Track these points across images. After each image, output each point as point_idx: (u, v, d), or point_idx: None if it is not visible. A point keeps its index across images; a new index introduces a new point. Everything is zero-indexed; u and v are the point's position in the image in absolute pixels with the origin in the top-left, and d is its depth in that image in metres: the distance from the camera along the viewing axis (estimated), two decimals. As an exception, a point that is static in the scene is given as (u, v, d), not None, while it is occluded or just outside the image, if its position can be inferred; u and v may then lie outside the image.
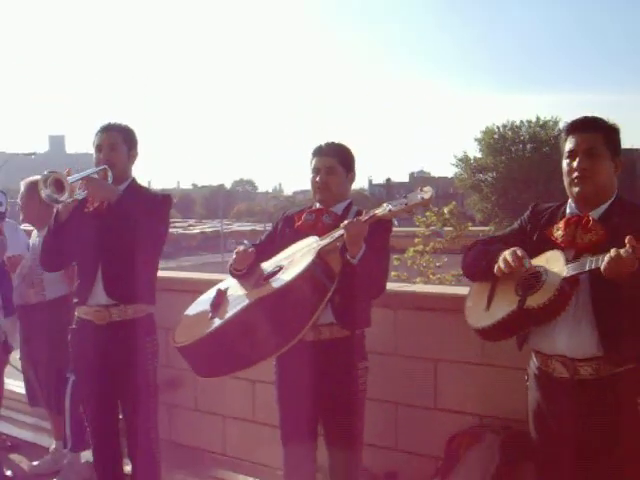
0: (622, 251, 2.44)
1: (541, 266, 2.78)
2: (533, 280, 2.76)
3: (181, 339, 3.42)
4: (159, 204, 4.00)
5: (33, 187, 5.06)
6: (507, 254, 2.78)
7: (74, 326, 4.06)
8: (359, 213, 3.30)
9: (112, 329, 3.88)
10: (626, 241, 2.44)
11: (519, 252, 2.76)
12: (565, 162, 2.92)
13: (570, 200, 2.94)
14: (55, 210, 3.89)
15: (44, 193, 3.69)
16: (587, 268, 2.61)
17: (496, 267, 2.83)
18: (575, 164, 2.85)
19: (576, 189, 2.85)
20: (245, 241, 3.87)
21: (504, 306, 2.85)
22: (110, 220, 3.79)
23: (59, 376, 4.92)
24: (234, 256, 3.46)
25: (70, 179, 3.66)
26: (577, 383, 2.78)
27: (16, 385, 6.23)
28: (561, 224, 2.88)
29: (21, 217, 5.46)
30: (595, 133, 2.86)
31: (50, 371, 5.07)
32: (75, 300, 4.03)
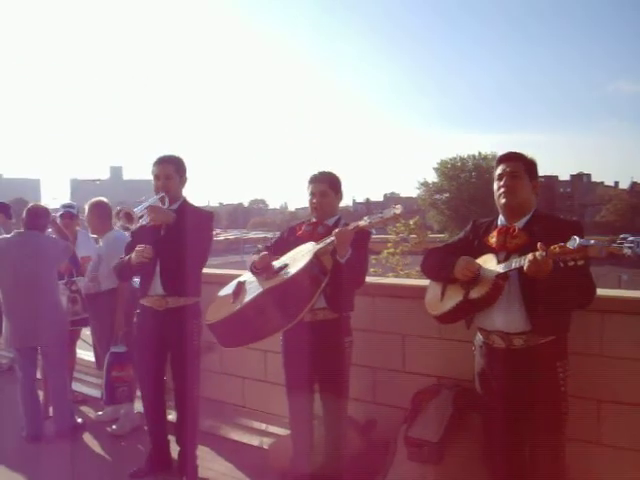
0: (537, 254, 2.47)
1: (479, 266, 2.80)
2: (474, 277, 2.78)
3: (210, 318, 3.42)
4: (204, 221, 3.93)
5: (94, 207, 5.09)
6: (464, 266, 2.80)
7: (138, 311, 4.04)
8: (346, 225, 3.30)
9: (168, 314, 3.85)
10: (538, 246, 2.47)
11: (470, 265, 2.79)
12: (495, 183, 2.94)
13: (500, 214, 2.95)
14: (129, 258, 3.83)
15: (118, 224, 3.73)
16: (513, 267, 2.64)
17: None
18: (502, 183, 2.88)
19: (503, 201, 2.87)
20: (259, 245, 3.86)
21: (453, 298, 2.87)
22: (167, 235, 3.77)
23: (107, 348, 4.93)
24: (255, 259, 3.41)
25: (137, 209, 3.67)
26: (511, 351, 2.79)
27: (85, 354, 6.24)
28: (494, 233, 2.89)
29: (89, 230, 5.48)
30: (517, 162, 2.88)
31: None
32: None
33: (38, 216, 4.86)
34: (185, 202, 3.97)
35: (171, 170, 3.89)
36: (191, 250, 3.76)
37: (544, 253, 2.43)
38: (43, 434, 4.79)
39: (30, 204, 5.04)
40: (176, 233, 3.74)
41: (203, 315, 3.91)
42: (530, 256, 2.50)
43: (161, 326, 3.87)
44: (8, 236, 4.91)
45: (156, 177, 3.89)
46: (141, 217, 3.72)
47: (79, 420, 5.11)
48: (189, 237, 3.72)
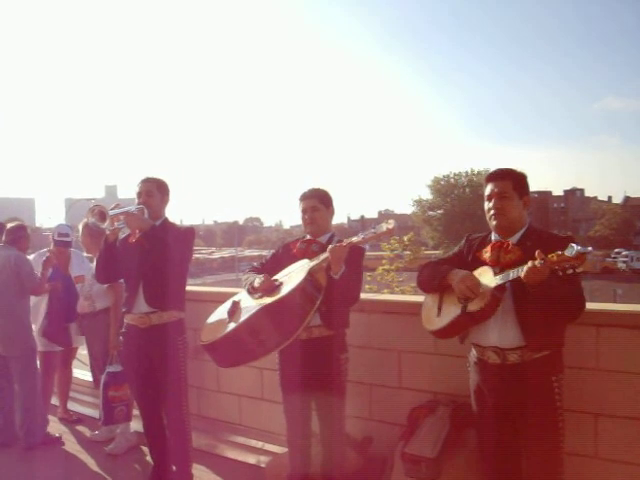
0: (537, 262, 2.48)
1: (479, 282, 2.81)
2: None
3: (205, 338, 3.42)
4: (184, 234, 3.97)
5: (86, 227, 5.12)
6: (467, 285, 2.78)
7: (124, 330, 4.04)
8: (340, 241, 3.32)
9: (151, 331, 3.87)
10: (536, 254, 2.49)
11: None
12: (485, 203, 2.97)
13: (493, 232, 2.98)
14: (105, 236, 3.90)
15: (90, 220, 3.76)
16: (511, 277, 2.65)
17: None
18: (491, 204, 2.91)
19: (493, 222, 2.91)
20: (254, 263, 3.88)
21: (451, 312, 2.87)
22: (147, 247, 3.77)
23: (104, 367, 4.94)
24: (252, 279, 3.46)
25: (112, 212, 3.73)
26: (506, 367, 2.79)
27: (81, 374, 6.22)
28: (488, 248, 2.91)
29: (84, 249, 5.49)
30: (505, 181, 2.90)
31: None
32: (123, 309, 4.03)
33: (10, 232, 5.08)
34: (166, 220, 4.03)
35: (152, 188, 3.97)
36: (173, 265, 3.82)
37: (542, 261, 2.46)
38: (13, 442, 4.94)
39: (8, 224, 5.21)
40: (156, 248, 3.76)
41: (188, 331, 3.97)
42: (530, 263, 2.51)
43: (145, 344, 3.89)
44: None
45: (138, 194, 3.98)
46: (118, 222, 3.79)
47: (57, 434, 5.14)
48: (171, 252, 3.77)
